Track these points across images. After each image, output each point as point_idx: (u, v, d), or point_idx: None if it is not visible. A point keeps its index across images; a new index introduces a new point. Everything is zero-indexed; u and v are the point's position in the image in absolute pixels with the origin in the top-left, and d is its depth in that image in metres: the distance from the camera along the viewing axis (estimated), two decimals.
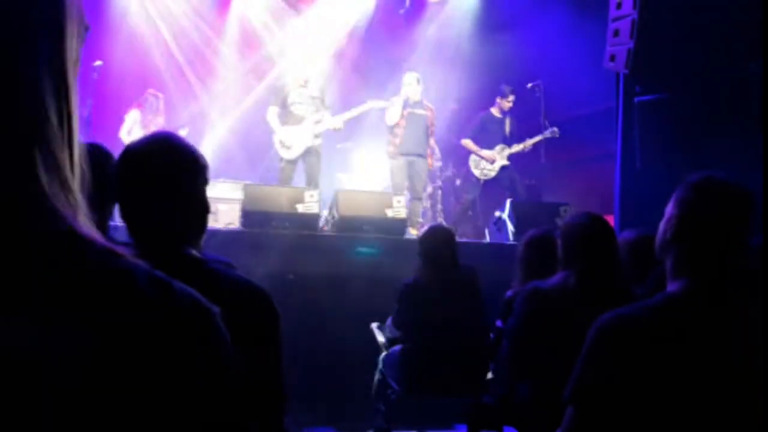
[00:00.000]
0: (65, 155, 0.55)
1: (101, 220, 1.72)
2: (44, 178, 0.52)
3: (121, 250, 0.55)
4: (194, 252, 1.39)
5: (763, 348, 1.39)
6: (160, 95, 6.99)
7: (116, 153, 1.47)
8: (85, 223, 0.54)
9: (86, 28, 0.61)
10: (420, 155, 6.54)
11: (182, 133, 7.05)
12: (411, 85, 6.48)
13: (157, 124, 6.75)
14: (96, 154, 1.76)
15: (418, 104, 6.56)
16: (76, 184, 0.55)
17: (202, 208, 1.42)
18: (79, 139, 0.58)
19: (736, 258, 1.48)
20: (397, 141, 6.48)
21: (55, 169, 0.53)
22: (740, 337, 1.44)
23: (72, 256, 0.51)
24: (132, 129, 6.63)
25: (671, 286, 1.49)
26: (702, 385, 1.38)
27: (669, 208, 1.54)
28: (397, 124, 6.46)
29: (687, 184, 1.51)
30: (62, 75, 0.56)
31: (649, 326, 1.41)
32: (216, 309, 0.58)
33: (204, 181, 1.42)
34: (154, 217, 1.36)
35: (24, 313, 0.48)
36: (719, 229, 1.46)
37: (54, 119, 0.54)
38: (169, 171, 1.36)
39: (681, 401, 1.38)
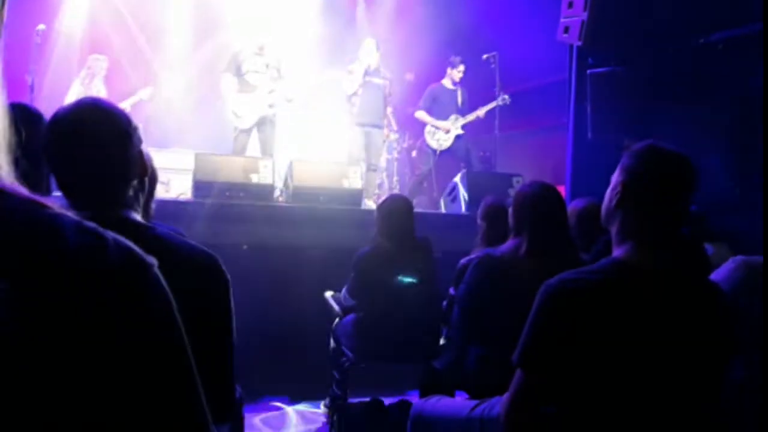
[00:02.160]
0: None
1: (37, 183, 1.67)
2: None
3: (47, 201, 0.51)
4: (137, 217, 1.36)
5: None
6: (103, 57, 6.78)
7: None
8: (8, 176, 0.51)
9: None
10: (376, 126, 6.51)
11: (146, 93, 6.86)
12: (370, 52, 6.40)
13: (97, 88, 6.56)
14: (24, 113, 1.70)
15: (376, 72, 6.49)
16: None
17: (139, 170, 1.39)
18: (2, 92, 0.54)
19: (677, 223, 1.53)
20: (354, 110, 6.44)
21: None
22: (683, 300, 1.49)
23: None
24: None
25: (616, 252, 1.54)
26: (644, 346, 1.43)
27: (614, 177, 1.57)
28: (354, 93, 6.41)
29: (631, 152, 1.55)
30: None
31: (593, 289, 1.45)
32: (153, 260, 0.55)
33: (137, 143, 1.40)
34: (88, 184, 1.34)
35: None
36: (661, 195, 1.50)
37: None
38: (97, 135, 1.33)
39: (624, 363, 1.43)
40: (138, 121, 1.46)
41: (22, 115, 1.56)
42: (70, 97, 6.45)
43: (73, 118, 1.34)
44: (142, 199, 1.41)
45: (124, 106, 6.59)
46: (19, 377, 0.46)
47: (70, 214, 0.52)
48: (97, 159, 1.33)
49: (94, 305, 0.49)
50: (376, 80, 6.48)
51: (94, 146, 1.33)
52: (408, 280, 3.53)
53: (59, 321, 0.47)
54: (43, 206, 0.51)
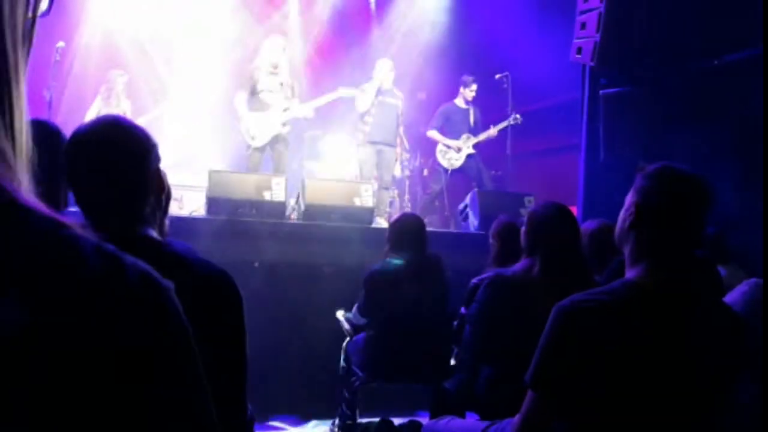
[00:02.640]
0: (3, 131, 0.52)
1: (55, 199, 1.69)
2: None
3: (68, 221, 0.51)
4: (153, 234, 1.38)
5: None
6: (121, 73, 6.85)
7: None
8: (28, 193, 0.51)
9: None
10: (389, 144, 6.55)
11: (165, 107, 6.93)
12: (384, 72, 6.45)
13: (117, 103, 6.64)
14: (43, 129, 1.73)
15: (390, 92, 6.54)
16: (16, 155, 0.52)
17: (156, 187, 1.41)
18: (22, 110, 0.54)
19: (691, 244, 1.52)
20: (367, 129, 6.47)
21: None
22: (695, 321, 1.48)
23: (12, 227, 0.48)
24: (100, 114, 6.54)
25: (629, 273, 1.53)
26: (656, 367, 1.42)
27: (628, 198, 1.57)
28: (367, 112, 6.45)
29: (645, 173, 1.55)
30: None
31: (605, 310, 1.44)
32: (169, 284, 0.55)
33: (155, 161, 1.41)
34: (107, 201, 1.35)
35: None
36: (675, 216, 1.50)
37: None
38: (116, 152, 1.35)
39: (636, 384, 1.41)
40: (155, 138, 1.48)
41: (42, 132, 1.59)
42: (91, 114, 6.54)
43: (92, 136, 1.37)
44: (158, 217, 1.42)
45: (142, 122, 6.67)
46: (35, 400, 0.46)
47: (90, 235, 0.52)
48: (115, 176, 1.35)
49: (110, 328, 0.49)
50: (390, 100, 6.52)
51: (113, 163, 1.35)
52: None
53: (75, 343, 0.48)
54: (64, 226, 0.51)
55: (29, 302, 0.46)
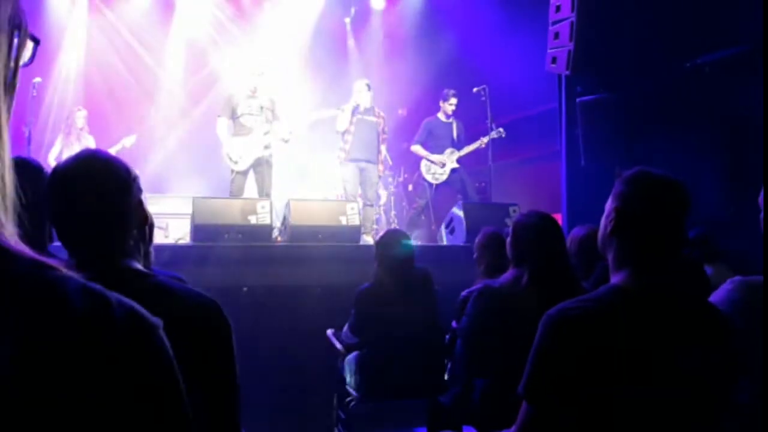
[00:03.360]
0: None
1: (38, 236, 1.68)
2: None
3: (53, 262, 0.52)
4: (138, 265, 1.37)
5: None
6: (79, 108, 6.95)
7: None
8: (12, 237, 0.52)
9: (30, 38, 0.58)
10: (369, 161, 6.58)
11: (129, 141, 7.02)
12: (361, 91, 6.53)
13: (82, 143, 6.75)
14: (25, 168, 1.72)
15: (369, 111, 6.60)
16: (2, 201, 0.53)
17: (139, 220, 1.41)
18: (5, 158, 0.55)
19: (674, 247, 1.54)
20: (347, 147, 6.52)
21: None
22: (682, 324, 1.49)
23: None
24: (61, 152, 6.78)
25: (613, 279, 1.54)
26: (646, 371, 1.43)
27: (608, 204, 1.59)
28: (347, 131, 6.51)
29: (623, 179, 1.57)
30: None
31: (592, 317, 1.45)
32: (158, 322, 0.56)
33: (137, 192, 1.42)
34: (89, 236, 1.35)
35: None
36: (654, 220, 1.52)
37: None
38: (97, 187, 1.35)
39: (628, 388, 1.42)
40: (136, 167, 1.48)
41: (24, 170, 1.58)
42: (54, 152, 6.79)
43: (72, 171, 1.36)
44: (142, 248, 1.42)
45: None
46: None
47: (75, 274, 0.53)
48: (97, 210, 1.35)
49: (98, 367, 0.50)
50: (370, 118, 6.58)
51: (94, 198, 1.35)
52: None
53: (65, 383, 0.48)
54: (50, 267, 0.52)
55: (19, 345, 0.47)
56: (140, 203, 1.41)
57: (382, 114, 6.76)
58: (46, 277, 0.51)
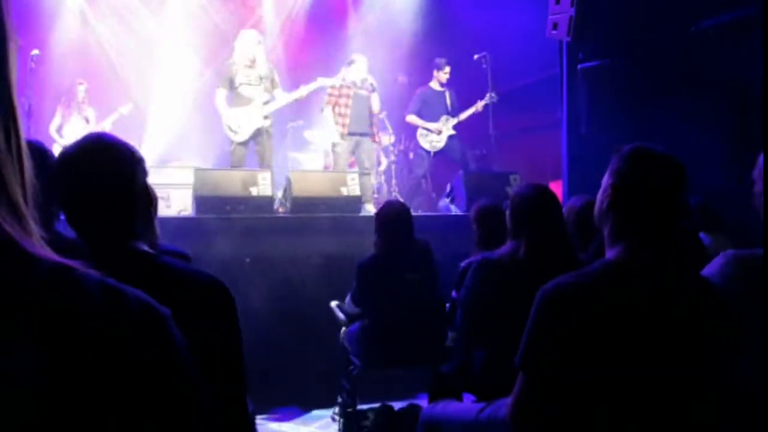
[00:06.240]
0: (14, 178, 0.55)
1: (47, 219, 1.72)
2: None
3: (73, 264, 0.55)
4: (145, 247, 1.40)
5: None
6: (82, 83, 6.93)
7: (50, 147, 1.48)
8: (38, 241, 0.55)
9: (17, 44, 0.60)
10: (365, 134, 6.60)
11: (126, 109, 7.03)
12: (356, 67, 6.50)
13: (83, 114, 6.75)
14: (35, 152, 1.74)
15: (364, 83, 6.58)
16: (27, 202, 0.56)
17: (146, 201, 1.45)
18: (26, 158, 0.57)
19: (669, 222, 1.56)
20: (346, 121, 6.52)
21: (3, 191, 0.53)
22: (676, 298, 1.52)
23: (26, 280, 0.52)
24: (62, 125, 6.84)
25: (609, 253, 1.57)
26: (640, 345, 1.46)
27: (605, 179, 1.61)
28: (345, 104, 6.51)
29: (619, 154, 1.58)
30: (8, 96, 0.56)
31: (587, 292, 1.48)
32: (167, 311, 0.59)
33: (143, 174, 1.45)
34: (97, 220, 1.39)
35: None
36: (650, 196, 1.54)
37: (2, 142, 0.54)
38: (103, 170, 1.39)
39: (622, 362, 1.45)
40: (136, 137, 1.50)
41: (32, 154, 1.60)
42: (55, 123, 6.82)
43: (78, 155, 1.40)
44: (148, 228, 1.46)
45: (105, 125, 6.75)
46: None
47: (93, 273, 0.56)
48: (102, 194, 1.38)
49: (119, 361, 0.53)
50: (362, 92, 6.56)
51: (101, 183, 1.38)
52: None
53: (86, 377, 0.51)
54: (70, 268, 0.55)
55: (45, 347, 0.50)
56: (145, 185, 1.45)
57: (375, 85, 6.72)
58: (67, 277, 0.54)
